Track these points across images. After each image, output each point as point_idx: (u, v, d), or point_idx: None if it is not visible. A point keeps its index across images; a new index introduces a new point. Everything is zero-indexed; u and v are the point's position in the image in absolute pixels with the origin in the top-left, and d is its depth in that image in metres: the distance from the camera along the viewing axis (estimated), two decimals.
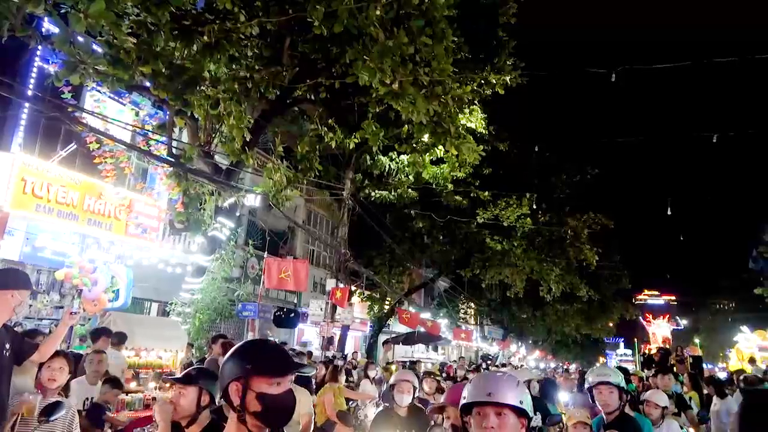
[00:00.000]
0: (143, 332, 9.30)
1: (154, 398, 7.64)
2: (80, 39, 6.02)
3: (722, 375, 14.73)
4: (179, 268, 12.33)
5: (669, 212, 17.12)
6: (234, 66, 7.90)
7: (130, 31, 6.50)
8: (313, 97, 9.95)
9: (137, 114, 11.54)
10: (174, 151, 9.31)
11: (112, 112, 10.84)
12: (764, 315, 37.71)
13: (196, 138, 9.18)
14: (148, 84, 7.81)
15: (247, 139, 8.36)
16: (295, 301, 22.57)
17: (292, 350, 16.26)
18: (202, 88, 7.27)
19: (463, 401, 1.93)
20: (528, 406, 1.88)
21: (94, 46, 6.44)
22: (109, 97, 10.87)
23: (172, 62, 6.90)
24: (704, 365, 13.25)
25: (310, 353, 14.87)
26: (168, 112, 9.40)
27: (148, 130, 10.85)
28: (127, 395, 7.21)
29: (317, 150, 10.75)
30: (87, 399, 5.31)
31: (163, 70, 6.69)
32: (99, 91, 10.39)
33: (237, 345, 1.86)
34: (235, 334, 16.27)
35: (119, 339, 7.65)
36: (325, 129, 10.45)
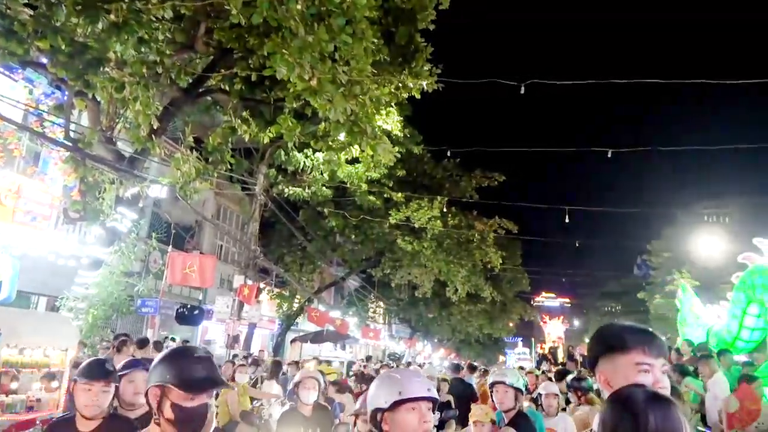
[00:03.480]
0: (28, 328, 8.61)
1: (38, 399, 7.10)
2: None
3: None
4: (72, 260, 11.51)
5: (567, 220, 18.25)
6: (143, 49, 7.47)
7: (26, 1, 6.00)
8: (227, 88, 9.64)
9: (31, 92, 10.63)
10: (72, 134, 8.67)
11: (1, 88, 9.93)
12: (645, 317, 41.16)
13: (97, 122, 8.60)
14: (45, 60, 7.24)
15: (155, 127, 7.95)
16: (200, 298, 21.80)
17: (204, 348, 15.66)
18: (106, 69, 6.83)
19: (399, 397, 1.90)
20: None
21: None
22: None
23: (74, 39, 6.44)
24: None
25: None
26: (66, 93, 8.74)
27: (43, 111, 10.04)
28: (7, 396, 6.66)
29: (230, 142, 10.42)
30: None
31: (63, 47, 6.23)
32: None
33: (168, 350, 1.97)
34: (133, 331, 15.46)
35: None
36: (239, 121, 10.14)
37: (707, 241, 30.94)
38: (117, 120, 8.77)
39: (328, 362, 17.59)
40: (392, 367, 18.52)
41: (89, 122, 8.81)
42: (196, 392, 1.81)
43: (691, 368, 9.00)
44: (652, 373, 1.59)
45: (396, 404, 1.89)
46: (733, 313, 9.36)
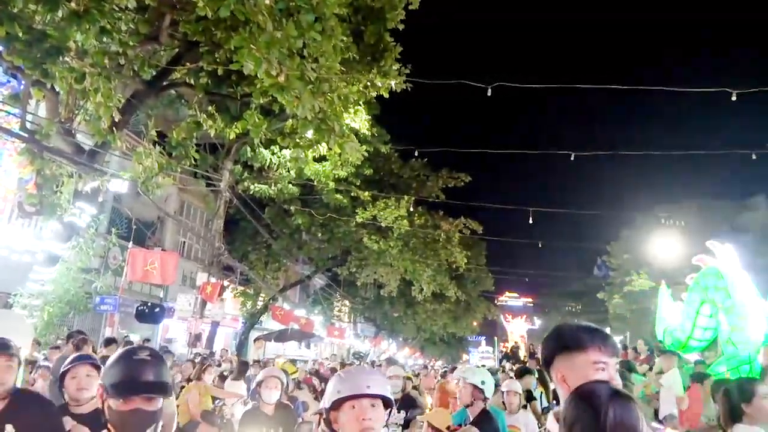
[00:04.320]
0: None
1: None
2: None
3: None
4: (27, 255, 11.14)
5: (531, 221, 18.54)
6: (105, 39, 7.27)
7: None
8: (192, 82, 9.47)
9: None
10: (28, 125, 8.37)
11: None
12: (605, 317, 42.22)
13: (56, 113, 8.33)
14: (0, 48, 6.97)
15: (116, 120, 7.75)
16: (161, 296, 21.37)
17: (165, 347, 15.35)
18: (66, 59, 6.62)
19: (338, 395, 1.90)
20: (392, 395, 1.99)
21: None
22: None
23: (32, 27, 6.22)
24: None
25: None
26: (23, 82, 8.44)
27: None
28: None
29: (194, 137, 10.24)
30: None
31: (21, 35, 6.01)
32: None
33: (118, 352, 1.95)
34: (91, 329, 15.04)
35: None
36: (205, 116, 9.97)
37: (664, 243, 31.84)
38: (77, 111, 8.51)
39: (293, 361, 17.47)
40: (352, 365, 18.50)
41: (47, 113, 8.53)
42: (121, 396, 1.76)
43: (647, 366, 9.27)
44: (607, 371, 1.66)
45: (337, 403, 1.91)
46: (687, 313, 9.66)
